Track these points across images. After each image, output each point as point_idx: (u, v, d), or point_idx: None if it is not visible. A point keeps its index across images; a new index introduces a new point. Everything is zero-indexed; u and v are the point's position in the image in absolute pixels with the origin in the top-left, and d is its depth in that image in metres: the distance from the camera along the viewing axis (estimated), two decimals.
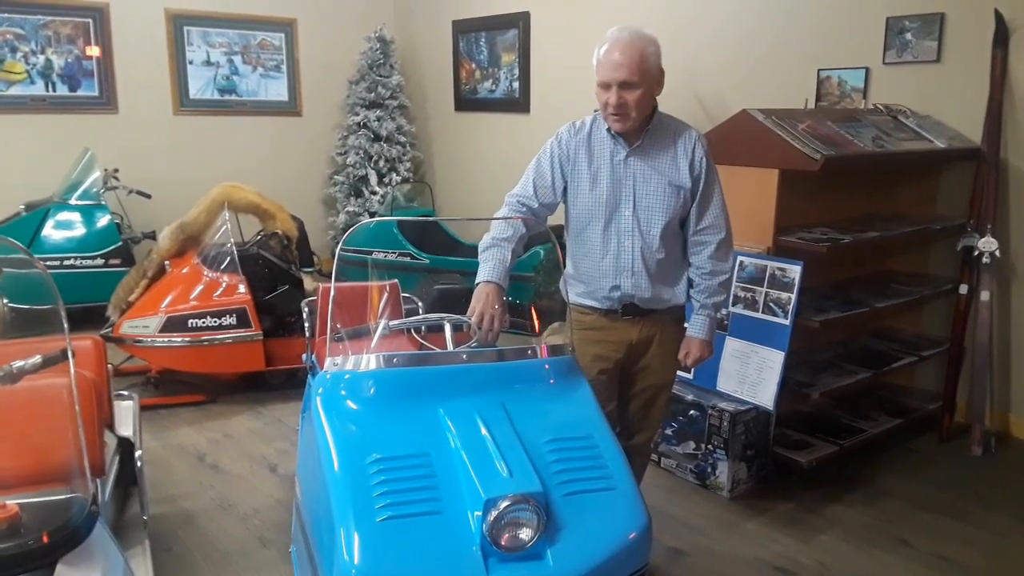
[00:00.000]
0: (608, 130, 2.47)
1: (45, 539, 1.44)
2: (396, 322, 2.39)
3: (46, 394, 1.85)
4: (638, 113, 2.40)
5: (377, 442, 1.98)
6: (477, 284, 2.39)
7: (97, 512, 1.56)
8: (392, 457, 1.93)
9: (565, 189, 2.56)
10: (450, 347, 2.32)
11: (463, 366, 2.18)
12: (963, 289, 3.95)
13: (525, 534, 1.79)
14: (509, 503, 1.78)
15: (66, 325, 1.67)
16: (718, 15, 5.12)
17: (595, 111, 2.53)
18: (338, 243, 7.16)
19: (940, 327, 4.20)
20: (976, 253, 3.86)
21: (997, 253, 3.84)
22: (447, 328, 2.36)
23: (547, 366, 2.27)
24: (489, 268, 2.41)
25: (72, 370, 1.61)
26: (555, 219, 2.65)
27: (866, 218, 3.99)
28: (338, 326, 2.26)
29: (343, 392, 2.13)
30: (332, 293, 2.24)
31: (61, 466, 1.67)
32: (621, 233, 2.50)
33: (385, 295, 2.67)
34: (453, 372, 2.17)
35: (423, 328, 2.64)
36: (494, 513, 1.77)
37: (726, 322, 3.50)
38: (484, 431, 1.99)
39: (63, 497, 1.54)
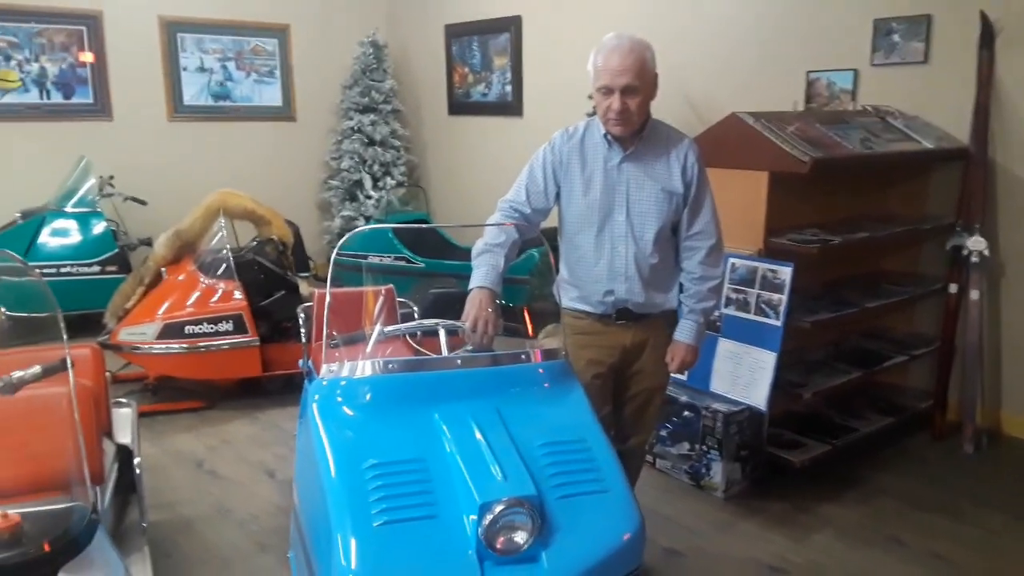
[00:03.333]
0: (605, 136, 2.50)
1: (46, 547, 1.47)
2: (391, 328, 2.42)
3: (45, 403, 1.87)
4: (638, 118, 2.44)
5: (373, 447, 2.00)
6: (471, 290, 2.42)
7: (97, 520, 1.58)
8: (388, 462, 1.95)
9: (558, 194, 2.59)
10: (445, 352, 2.35)
11: (458, 371, 2.21)
12: (952, 288, 3.99)
13: (520, 537, 1.81)
14: (504, 507, 1.80)
15: (64, 335, 1.69)
16: (709, 19, 5.16)
17: (587, 115, 2.56)
18: (334, 248, 7.20)
19: (931, 326, 4.24)
20: (965, 252, 3.90)
21: (986, 252, 3.88)
22: (442, 333, 2.39)
23: (541, 370, 2.30)
24: (482, 274, 2.44)
25: (72, 379, 1.64)
26: (550, 222, 2.69)
27: (856, 219, 4.02)
28: (333, 332, 2.28)
29: (339, 398, 2.15)
30: (327, 299, 2.26)
31: (61, 475, 1.69)
32: (615, 238, 2.52)
33: (380, 300, 2.70)
34: (448, 377, 2.19)
35: (419, 333, 2.66)
36: (489, 517, 1.79)
37: (719, 324, 3.53)
38: (479, 435, 2.01)
39: (64, 506, 1.56)
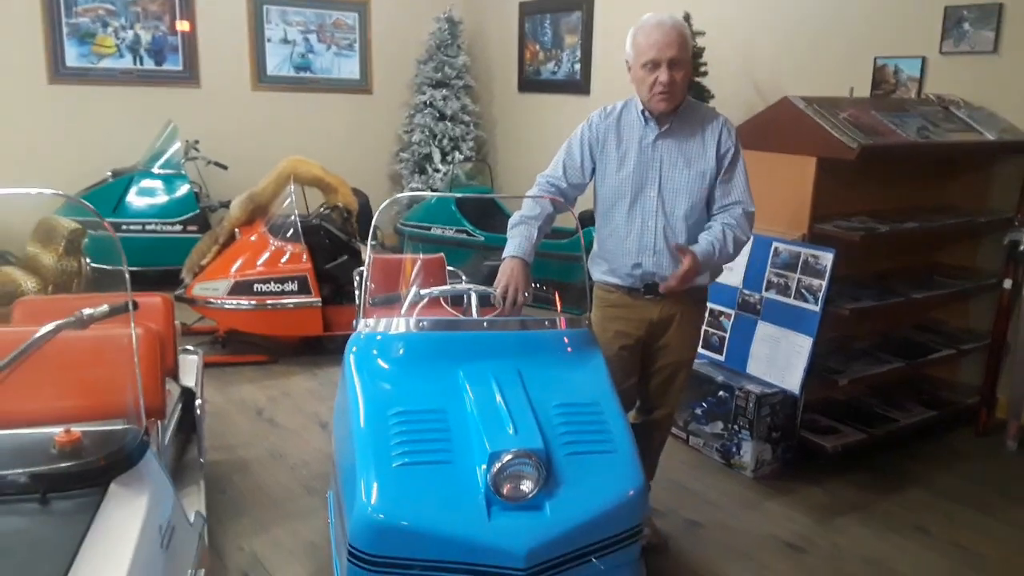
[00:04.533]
0: (643, 112, 2.60)
1: (102, 461, 1.68)
2: (425, 291, 2.58)
3: (112, 341, 2.10)
4: (682, 92, 2.53)
5: (400, 397, 2.18)
6: (503, 259, 2.56)
7: (147, 442, 1.79)
8: (412, 411, 2.12)
9: (594, 171, 2.70)
10: (475, 315, 2.50)
11: (484, 333, 2.36)
12: (1007, 284, 3.92)
13: (526, 486, 1.96)
14: (512, 456, 1.95)
15: (128, 276, 1.91)
16: (775, 1, 5.12)
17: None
18: (399, 217, 7.43)
19: (984, 322, 4.16)
20: (1022, 248, 3.82)
21: None
22: (473, 298, 2.54)
23: (565, 338, 2.43)
24: (516, 244, 2.57)
25: (132, 318, 1.85)
26: (587, 204, 2.80)
27: (911, 209, 3.97)
28: (374, 287, 2.46)
29: (374, 351, 2.34)
30: (368, 260, 2.44)
31: (121, 404, 1.91)
32: (645, 213, 2.62)
33: (418, 265, 2.86)
34: (475, 338, 2.35)
35: (465, 299, 2.82)
36: (497, 465, 1.94)
37: (759, 307, 3.58)
38: (497, 393, 2.16)
39: (119, 428, 1.77)
